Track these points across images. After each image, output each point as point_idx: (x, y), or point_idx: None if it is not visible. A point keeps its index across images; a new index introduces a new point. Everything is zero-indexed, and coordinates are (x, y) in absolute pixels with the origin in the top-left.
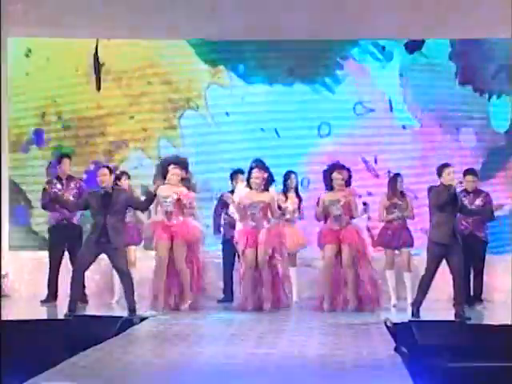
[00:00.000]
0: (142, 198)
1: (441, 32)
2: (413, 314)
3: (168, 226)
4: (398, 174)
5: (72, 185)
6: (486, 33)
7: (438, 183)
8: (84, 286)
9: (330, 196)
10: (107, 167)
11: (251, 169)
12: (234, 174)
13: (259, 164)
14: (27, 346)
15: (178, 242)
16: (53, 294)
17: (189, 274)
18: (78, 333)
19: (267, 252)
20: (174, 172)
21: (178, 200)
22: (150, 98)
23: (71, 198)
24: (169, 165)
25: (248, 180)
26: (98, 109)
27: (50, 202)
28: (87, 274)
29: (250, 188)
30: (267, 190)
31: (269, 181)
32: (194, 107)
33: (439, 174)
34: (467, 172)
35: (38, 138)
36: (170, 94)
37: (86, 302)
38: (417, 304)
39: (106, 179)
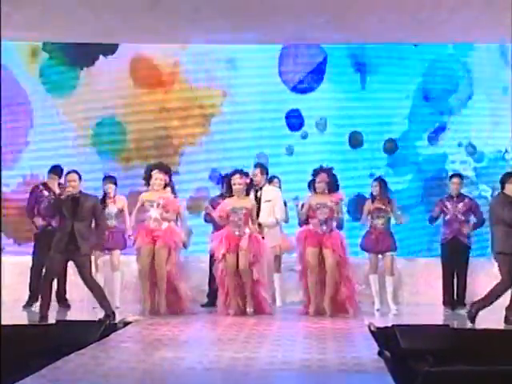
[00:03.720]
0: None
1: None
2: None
3: (152, 231)
4: (383, 180)
5: (58, 192)
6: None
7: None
8: (65, 291)
9: (318, 199)
10: (76, 172)
11: (232, 175)
12: (224, 177)
13: (240, 170)
14: (9, 352)
15: (159, 246)
16: (35, 300)
17: (165, 279)
18: (61, 338)
19: (248, 258)
20: (157, 177)
21: (164, 205)
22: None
23: None
24: (152, 170)
25: (229, 185)
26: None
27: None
28: (71, 278)
29: (229, 194)
30: (248, 195)
31: (249, 186)
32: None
33: (503, 183)
34: (452, 176)
35: None
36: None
37: (67, 306)
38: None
39: (75, 185)
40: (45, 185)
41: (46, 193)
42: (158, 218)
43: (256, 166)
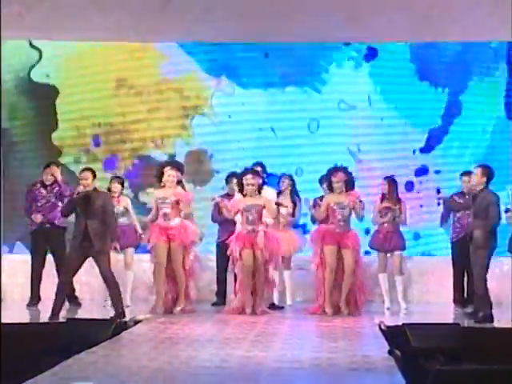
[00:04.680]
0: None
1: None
2: None
3: (166, 228)
4: (393, 180)
5: (56, 189)
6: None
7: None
8: (74, 289)
9: (336, 198)
10: (90, 170)
11: (245, 174)
12: (230, 177)
13: (252, 170)
14: (21, 350)
15: (175, 244)
16: (37, 299)
17: (184, 277)
18: (72, 336)
19: (264, 256)
20: (170, 173)
21: (177, 202)
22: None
23: (53, 200)
24: (164, 167)
25: (241, 185)
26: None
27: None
28: (83, 277)
29: (242, 193)
30: (260, 193)
31: (261, 185)
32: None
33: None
34: (464, 173)
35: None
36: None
37: (78, 304)
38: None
39: (87, 183)
40: (41, 182)
41: (43, 190)
42: (171, 214)
43: (256, 164)
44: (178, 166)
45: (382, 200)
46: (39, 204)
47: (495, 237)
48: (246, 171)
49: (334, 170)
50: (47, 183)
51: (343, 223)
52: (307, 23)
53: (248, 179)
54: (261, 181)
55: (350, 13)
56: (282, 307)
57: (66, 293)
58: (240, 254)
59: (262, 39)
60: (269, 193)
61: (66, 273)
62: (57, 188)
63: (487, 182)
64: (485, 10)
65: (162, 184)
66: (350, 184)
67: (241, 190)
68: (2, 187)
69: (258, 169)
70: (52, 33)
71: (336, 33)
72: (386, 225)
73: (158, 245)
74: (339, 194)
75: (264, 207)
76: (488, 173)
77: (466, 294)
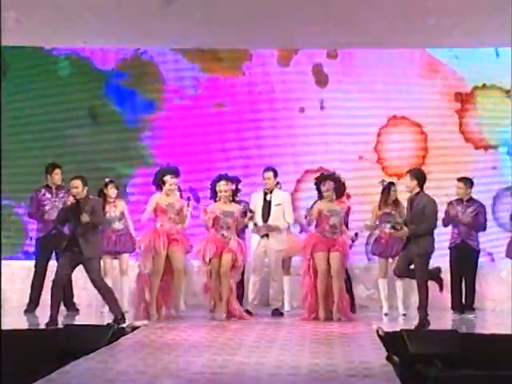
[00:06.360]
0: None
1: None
2: None
3: (169, 234)
4: (391, 183)
5: (61, 194)
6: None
7: None
8: (72, 296)
9: (328, 205)
10: (81, 178)
11: (218, 181)
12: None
13: (225, 175)
14: (19, 356)
15: (178, 249)
16: (36, 305)
17: (184, 282)
18: (69, 342)
19: (229, 262)
20: (173, 181)
21: (181, 209)
22: None
23: (57, 205)
24: (165, 175)
25: (214, 192)
26: None
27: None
28: (79, 282)
29: (215, 199)
30: (234, 200)
31: (235, 192)
32: None
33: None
34: (458, 180)
35: None
36: None
37: (76, 311)
38: None
39: (77, 191)
40: (46, 187)
41: (48, 195)
42: (175, 220)
43: (268, 169)
44: (177, 173)
45: (380, 206)
46: (46, 209)
47: (432, 240)
48: (220, 178)
49: (323, 178)
50: (52, 187)
51: (335, 230)
52: (304, 29)
53: (221, 185)
54: (234, 187)
55: (348, 18)
56: (282, 313)
57: (62, 299)
58: (210, 260)
59: (260, 45)
60: (280, 195)
61: (57, 280)
62: (62, 193)
63: (419, 185)
64: (485, 14)
65: (164, 192)
66: (339, 191)
67: (214, 197)
68: (1, 188)
69: (271, 173)
70: (50, 38)
71: (334, 38)
72: (387, 230)
73: (161, 251)
74: (330, 202)
75: (237, 216)
76: (416, 176)
77: (464, 300)
